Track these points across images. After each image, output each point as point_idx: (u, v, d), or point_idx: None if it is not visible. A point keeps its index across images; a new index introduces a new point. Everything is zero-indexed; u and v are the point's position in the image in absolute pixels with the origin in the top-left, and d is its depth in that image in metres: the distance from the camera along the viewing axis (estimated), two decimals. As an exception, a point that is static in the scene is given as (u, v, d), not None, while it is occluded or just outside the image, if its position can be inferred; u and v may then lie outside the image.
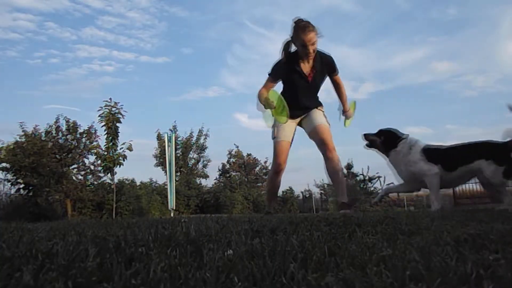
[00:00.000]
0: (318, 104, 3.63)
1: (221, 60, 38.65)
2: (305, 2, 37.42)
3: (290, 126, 3.54)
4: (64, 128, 14.32)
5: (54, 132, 14.20)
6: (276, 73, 3.46)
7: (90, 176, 15.10)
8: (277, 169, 3.57)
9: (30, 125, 14.12)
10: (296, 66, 3.41)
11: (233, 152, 22.93)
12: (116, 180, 12.68)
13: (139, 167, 31.13)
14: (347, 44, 40.39)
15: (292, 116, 3.40)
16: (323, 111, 3.62)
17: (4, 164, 12.60)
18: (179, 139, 20.57)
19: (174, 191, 11.90)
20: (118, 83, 31.59)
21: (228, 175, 22.51)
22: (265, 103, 3.25)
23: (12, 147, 12.71)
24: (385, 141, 3.38)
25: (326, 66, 3.51)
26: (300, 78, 3.44)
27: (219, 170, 23.10)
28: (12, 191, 13.19)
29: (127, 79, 32.03)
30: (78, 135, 14.43)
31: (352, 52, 38.00)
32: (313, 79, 3.46)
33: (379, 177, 17.71)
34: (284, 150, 3.54)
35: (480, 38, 37.16)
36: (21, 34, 28.24)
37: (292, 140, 3.61)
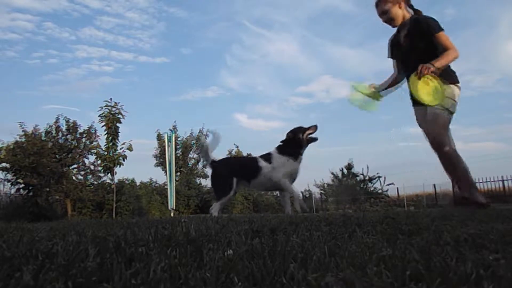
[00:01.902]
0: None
1: (220, 60, 38.74)
2: (304, 2, 37.45)
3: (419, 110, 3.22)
4: (64, 128, 14.35)
5: (54, 132, 14.22)
6: (388, 51, 3.55)
7: (90, 176, 15.13)
8: None
9: (30, 125, 14.11)
10: (393, 37, 3.44)
11: (233, 152, 22.92)
12: (116, 180, 12.71)
13: (139, 167, 31.17)
14: (347, 44, 40.50)
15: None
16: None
17: (4, 164, 12.59)
18: (179, 139, 20.58)
19: (174, 191, 11.91)
20: (118, 83, 31.67)
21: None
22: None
23: (12, 147, 12.70)
24: None
25: (417, 26, 3.18)
26: (397, 47, 3.39)
27: (219, 170, 23.06)
28: (12, 191, 13.21)
29: (126, 79, 32.12)
30: (78, 135, 14.45)
31: (352, 52, 38.09)
32: (405, 42, 3.28)
33: (379, 177, 17.77)
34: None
35: (479, 38, 37.13)
36: (19, 34, 28.30)
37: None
